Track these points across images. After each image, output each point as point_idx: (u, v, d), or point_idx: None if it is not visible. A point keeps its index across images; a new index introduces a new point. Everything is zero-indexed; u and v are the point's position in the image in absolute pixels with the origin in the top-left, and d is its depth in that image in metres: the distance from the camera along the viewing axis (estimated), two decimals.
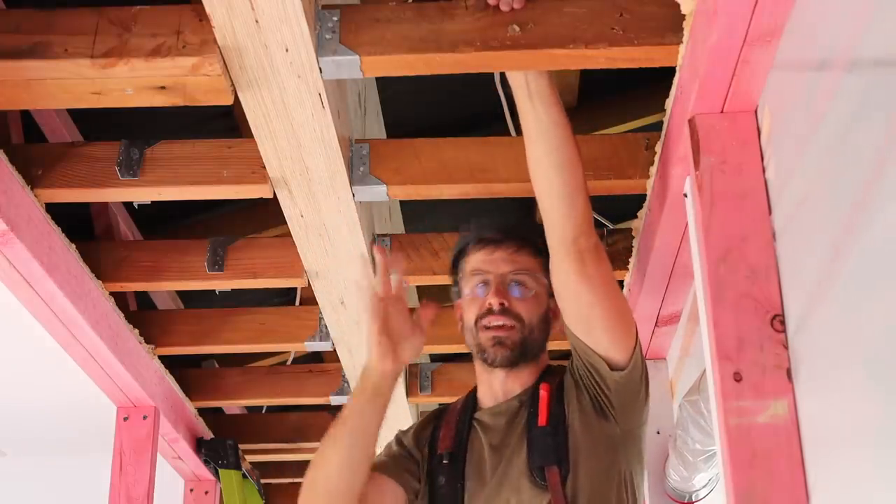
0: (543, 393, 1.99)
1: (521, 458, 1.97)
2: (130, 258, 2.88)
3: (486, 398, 2.09)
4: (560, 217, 1.94)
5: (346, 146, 2.31)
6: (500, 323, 2.02)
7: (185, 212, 3.33)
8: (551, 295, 2.07)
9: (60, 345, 2.85)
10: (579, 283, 1.94)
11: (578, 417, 1.98)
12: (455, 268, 2.16)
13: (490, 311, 2.03)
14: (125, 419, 3.31)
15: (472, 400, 2.12)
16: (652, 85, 2.37)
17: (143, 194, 2.46)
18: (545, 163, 1.94)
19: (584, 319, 1.97)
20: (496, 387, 2.08)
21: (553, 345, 3.10)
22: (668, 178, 2.11)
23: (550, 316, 2.10)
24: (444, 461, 2.03)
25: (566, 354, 2.10)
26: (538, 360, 2.08)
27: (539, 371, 2.08)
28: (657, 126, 2.22)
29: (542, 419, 1.97)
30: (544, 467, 1.93)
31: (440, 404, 4.38)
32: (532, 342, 2.05)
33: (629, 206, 2.60)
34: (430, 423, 2.15)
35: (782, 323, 1.68)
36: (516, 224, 2.13)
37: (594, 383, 1.98)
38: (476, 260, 2.09)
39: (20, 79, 1.95)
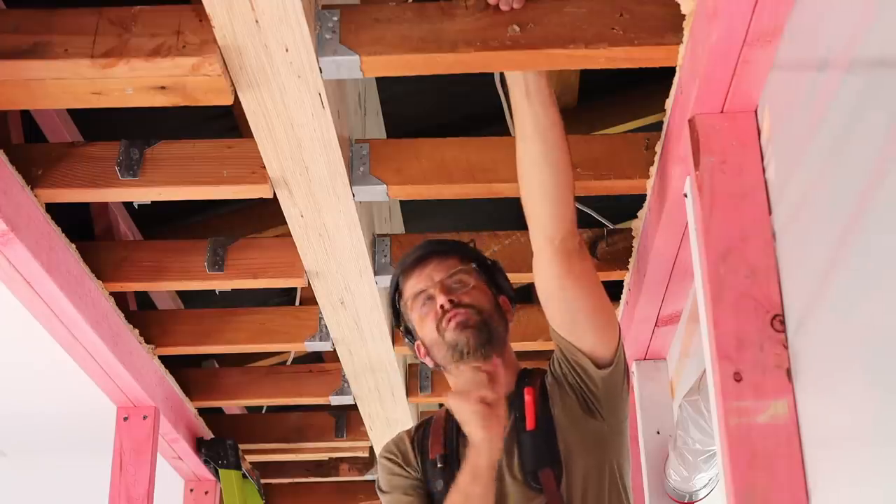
0: (528, 397, 1.99)
1: (513, 463, 1.97)
2: (130, 258, 2.88)
3: None
4: (549, 217, 1.96)
5: (346, 146, 2.31)
6: (460, 313, 2.02)
7: (185, 212, 3.33)
8: (494, 290, 2.10)
9: (60, 345, 2.85)
10: (566, 282, 1.97)
11: (565, 418, 1.99)
12: (397, 314, 2.16)
13: (444, 312, 2.03)
14: (125, 419, 3.30)
15: None
16: (652, 85, 2.37)
17: (143, 194, 2.46)
18: (540, 162, 1.96)
19: (570, 318, 1.99)
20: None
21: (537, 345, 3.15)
22: (668, 178, 2.11)
23: (503, 309, 2.10)
24: (439, 465, 2.03)
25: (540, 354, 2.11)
26: (505, 355, 2.06)
27: (515, 373, 2.08)
28: (657, 126, 2.22)
29: (529, 423, 1.98)
30: (538, 471, 1.94)
31: (440, 405, 4.39)
32: (494, 326, 2.04)
33: (629, 206, 2.60)
34: (415, 435, 2.12)
35: (782, 323, 1.68)
36: (432, 242, 2.16)
37: (580, 382, 1.99)
38: (411, 286, 2.09)
39: (20, 79, 1.95)
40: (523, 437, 1.97)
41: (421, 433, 2.12)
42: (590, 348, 1.99)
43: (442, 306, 2.03)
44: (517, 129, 1.98)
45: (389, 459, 2.10)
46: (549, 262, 1.98)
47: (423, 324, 2.07)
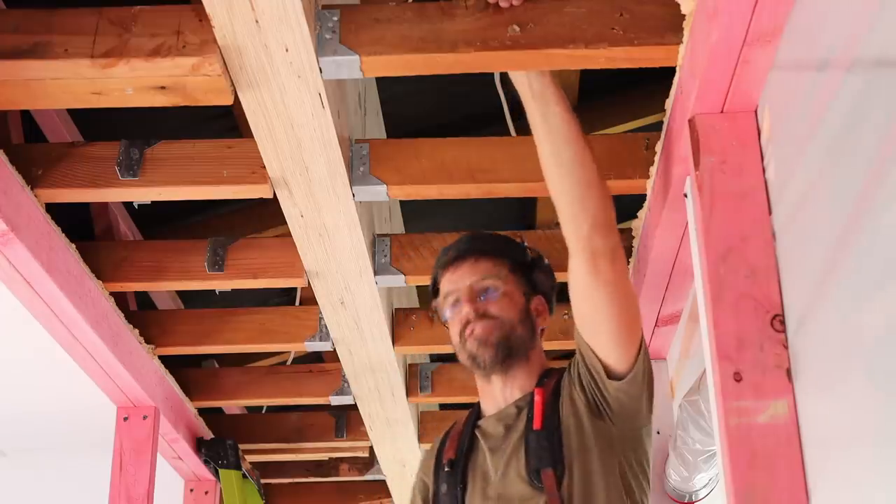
0: (538, 398, 2.01)
1: (520, 462, 1.98)
2: (130, 258, 2.88)
3: (489, 407, 2.12)
4: (572, 215, 1.94)
5: (346, 146, 2.31)
6: (480, 326, 2.04)
7: (185, 212, 3.33)
8: (529, 294, 2.11)
9: (60, 345, 2.85)
10: (589, 283, 1.94)
11: (573, 419, 1.99)
12: (435, 300, 2.18)
13: (468, 322, 2.05)
14: (125, 419, 3.30)
15: (476, 411, 2.15)
16: (652, 85, 2.37)
17: (143, 194, 2.46)
18: (553, 161, 1.95)
19: (591, 320, 1.98)
20: (496, 394, 2.10)
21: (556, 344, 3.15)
22: (668, 178, 2.11)
23: (533, 314, 2.11)
24: (446, 469, 2.06)
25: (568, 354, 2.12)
26: (530, 360, 2.09)
27: (537, 374, 2.09)
28: (657, 126, 2.22)
29: (536, 423, 1.99)
30: (540, 470, 1.95)
31: (440, 405, 4.39)
32: (516, 338, 2.06)
33: (629, 206, 2.60)
34: (437, 445, 2.18)
35: (782, 323, 1.68)
36: (473, 238, 2.16)
37: (593, 386, 1.99)
38: (445, 284, 2.12)
39: (20, 79, 1.95)
40: (530, 437, 1.99)
41: (445, 435, 2.17)
42: (605, 355, 1.97)
43: (466, 317, 2.05)
44: (532, 131, 1.98)
45: (420, 465, 2.19)
46: (573, 260, 1.96)
47: (451, 326, 2.11)
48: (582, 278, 1.95)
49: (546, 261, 2.18)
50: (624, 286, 1.97)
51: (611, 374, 1.97)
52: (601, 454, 1.97)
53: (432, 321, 2.96)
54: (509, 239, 2.20)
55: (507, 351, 2.05)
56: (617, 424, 1.99)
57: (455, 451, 2.07)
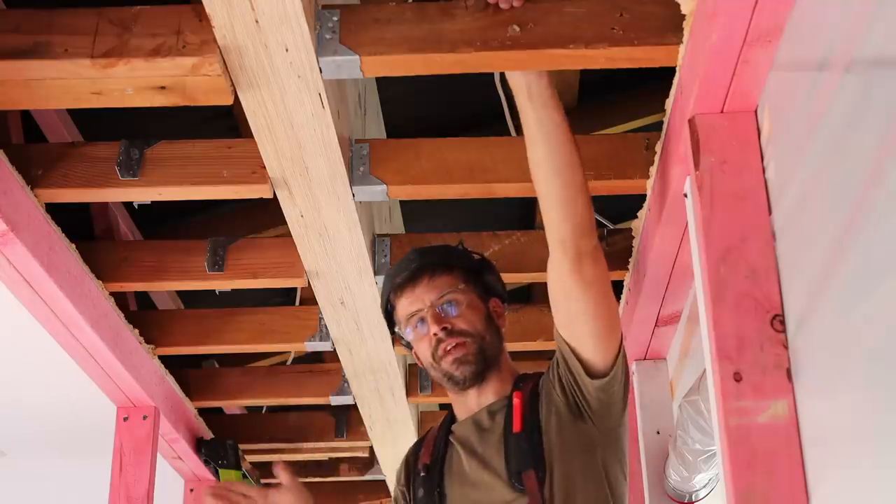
0: (517, 400, 2.02)
1: (500, 464, 1.99)
2: (130, 258, 2.88)
3: (462, 413, 2.12)
4: (559, 218, 1.96)
5: (346, 146, 2.31)
6: (453, 344, 2.03)
7: (185, 212, 3.33)
8: (485, 297, 2.11)
9: (60, 345, 2.85)
10: (573, 284, 1.96)
11: (553, 420, 2.00)
12: (391, 321, 2.17)
13: (439, 341, 2.04)
14: (125, 419, 3.31)
15: (449, 417, 2.15)
16: (652, 85, 2.37)
17: (143, 194, 2.46)
18: (545, 165, 1.95)
19: (573, 321, 1.98)
20: (470, 402, 2.10)
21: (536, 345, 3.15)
22: (668, 178, 2.11)
23: (494, 316, 2.11)
24: (422, 474, 2.07)
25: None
26: (501, 367, 2.09)
27: (511, 379, 2.09)
28: (657, 126, 2.22)
29: (516, 426, 1.99)
30: (521, 472, 1.95)
31: (440, 405, 4.39)
32: (488, 347, 2.06)
33: (629, 206, 2.60)
34: (409, 454, 2.19)
35: (782, 323, 1.68)
36: (421, 255, 2.14)
37: (574, 386, 2.00)
38: (403, 306, 2.10)
39: (20, 79, 1.95)
40: (510, 439, 1.99)
41: (419, 443, 2.18)
42: (587, 354, 1.98)
43: (436, 335, 2.04)
44: (525, 132, 1.98)
45: (395, 476, 2.17)
46: (558, 263, 1.97)
47: (419, 345, 2.09)
48: (566, 278, 1.96)
49: (491, 261, 2.19)
50: (606, 285, 2.00)
51: (591, 373, 1.98)
52: (584, 455, 1.98)
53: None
54: (453, 248, 2.20)
55: (484, 363, 2.05)
56: (598, 425, 2.00)
57: (430, 456, 2.08)
